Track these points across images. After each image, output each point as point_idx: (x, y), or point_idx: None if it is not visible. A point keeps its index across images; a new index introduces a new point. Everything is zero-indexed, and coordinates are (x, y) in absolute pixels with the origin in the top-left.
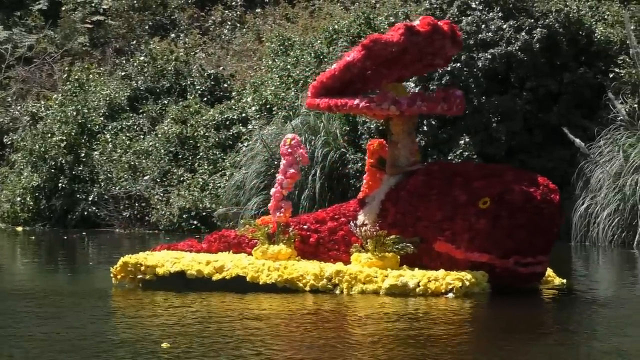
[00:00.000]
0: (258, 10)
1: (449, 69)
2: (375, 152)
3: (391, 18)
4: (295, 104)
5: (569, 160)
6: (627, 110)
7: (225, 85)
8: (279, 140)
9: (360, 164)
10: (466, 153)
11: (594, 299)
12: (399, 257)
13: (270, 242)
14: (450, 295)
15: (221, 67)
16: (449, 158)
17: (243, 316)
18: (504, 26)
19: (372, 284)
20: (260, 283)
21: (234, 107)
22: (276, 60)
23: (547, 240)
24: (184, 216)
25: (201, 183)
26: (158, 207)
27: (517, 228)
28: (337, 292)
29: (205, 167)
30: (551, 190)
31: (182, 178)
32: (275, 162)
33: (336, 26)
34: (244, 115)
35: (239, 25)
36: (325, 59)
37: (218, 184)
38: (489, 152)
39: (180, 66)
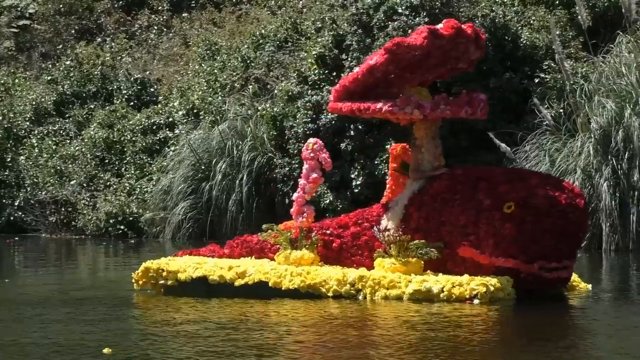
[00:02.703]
0: (185, 14)
1: None
2: (398, 156)
3: (318, 23)
4: (222, 109)
5: (495, 165)
6: (552, 115)
7: (152, 89)
8: (206, 144)
9: (287, 169)
10: None
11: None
12: (422, 262)
13: (292, 247)
14: (476, 301)
15: (148, 72)
16: (376, 163)
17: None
18: None
19: (395, 289)
20: (283, 289)
21: (160, 111)
22: (203, 65)
23: (573, 245)
24: (111, 221)
25: (128, 188)
26: (85, 212)
27: (542, 233)
28: (360, 297)
29: (132, 171)
30: (576, 194)
31: (108, 183)
32: (203, 167)
33: (263, 31)
34: (170, 119)
35: (165, 29)
36: (252, 64)
37: (145, 189)
38: None
39: (107, 71)
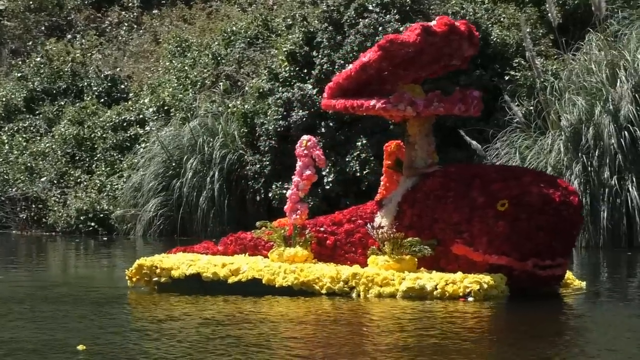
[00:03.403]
0: (155, 11)
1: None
2: (393, 153)
3: (288, 20)
4: (193, 106)
5: (465, 163)
6: (523, 112)
7: (123, 86)
8: (177, 141)
9: (258, 166)
10: (363, 155)
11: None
12: (416, 259)
13: (286, 244)
14: (470, 298)
15: (118, 69)
16: (347, 160)
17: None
18: (401, 29)
19: (389, 286)
20: (277, 286)
21: (131, 108)
22: (173, 62)
23: (567, 243)
24: (82, 218)
25: (98, 185)
26: (55, 209)
27: (536, 230)
28: (354, 295)
29: (103, 168)
30: (570, 192)
31: (79, 180)
32: (173, 164)
33: (234, 28)
34: (141, 116)
35: (136, 26)
36: (223, 61)
37: (116, 186)
38: None
39: (77, 67)
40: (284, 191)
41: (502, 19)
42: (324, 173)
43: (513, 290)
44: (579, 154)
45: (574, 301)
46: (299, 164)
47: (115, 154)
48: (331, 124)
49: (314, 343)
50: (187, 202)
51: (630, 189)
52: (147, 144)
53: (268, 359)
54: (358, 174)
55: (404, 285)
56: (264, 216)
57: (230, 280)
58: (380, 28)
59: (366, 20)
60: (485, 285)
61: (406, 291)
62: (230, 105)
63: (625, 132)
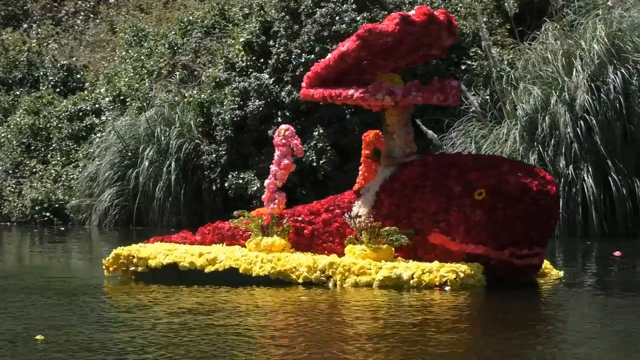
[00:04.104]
0: (111, 1)
1: (303, 60)
2: (371, 143)
3: (245, 9)
4: (149, 95)
5: (421, 152)
6: (479, 102)
7: (79, 76)
8: (133, 131)
9: (214, 156)
10: (320, 144)
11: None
12: (393, 249)
13: (264, 234)
14: (446, 288)
15: (74, 58)
16: (304, 149)
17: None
18: (358, 18)
19: (365, 276)
20: (253, 275)
21: (87, 98)
22: (130, 51)
23: (544, 232)
24: (37, 208)
25: (54, 175)
26: (10, 199)
27: (513, 219)
28: (330, 284)
29: (58, 158)
30: (548, 181)
31: (34, 169)
32: (129, 154)
33: (190, 17)
34: (97, 106)
35: (92, 15)
36: (179, 50)
37: (71, 176)
38: (343, 144)
39: (33, 57)
40: (240, 181)
41: (458, 9)
42: None
43: (490, 279)
44: (535, 144)
45: (552, 290)
46: (277, 153)
47: (70, 144)
48: (288, 114)
49: (288, 333)
50: (143, 192)
51: (586, 178)
52: (103, 133)
53: (236, 347)
54: (314, 164)
55: (381, 274)
56: (220, 206)
57: (207, 270)
58: (337, 17)
59: (323, 9)
60: (462, 275)
61: (383, 280)
62: (186, 94)
63: (581, 122)
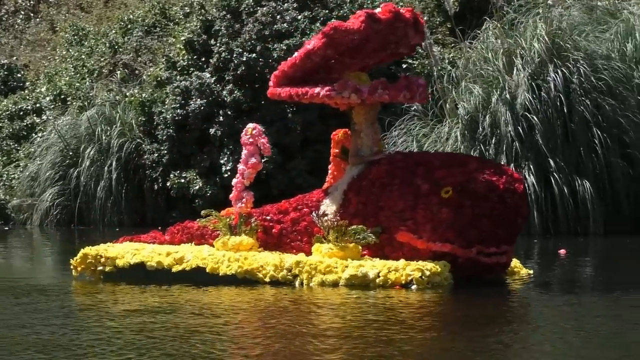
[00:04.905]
0: None
1: (244, 59)
2: (340, 141)
3: (186, 8)
4: (90, 94)
5: None
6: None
7: (19, 75)
8: (74, 130)
9: (156, 155)
10: None
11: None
12: (360, 247)
13: (232, 233)
14: (413, 286)
15: (15, 57)
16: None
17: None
18: (299, 17)
19: (332, 274)
20: (220, 274)
21: (27, 97)
22: (70, 50)
23: (511, 230)
24: None
25: None
26: None
27: (480, 217)
28: (297, 283)
29: None
30: (515, 179)
31: None
32: (71, 153)
33: (131, 16)
34: (38, 105)
35: (32, 14)
36: (120, 49)
37: (12, 175)
38: (285, 142)
39: None
40: (182, 180)
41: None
42: (222, 161)
43: (457, 277)
44: (476, 142)
45: (518, 288)
46: (244, 152)
47: (11, 143)
48: (229, 113)
49: (255, 331)
50: (85, 192)
51: (527, 177)
52: (44, 133)
53: (204, 346)
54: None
55: (347, 273)
56: (162, 205)
57: (174, 269)
58: (278, 16)
59: (264, 8)
60: (428, 273)
61: (349, 279)
62: (127, 94)
63: (522, 120)
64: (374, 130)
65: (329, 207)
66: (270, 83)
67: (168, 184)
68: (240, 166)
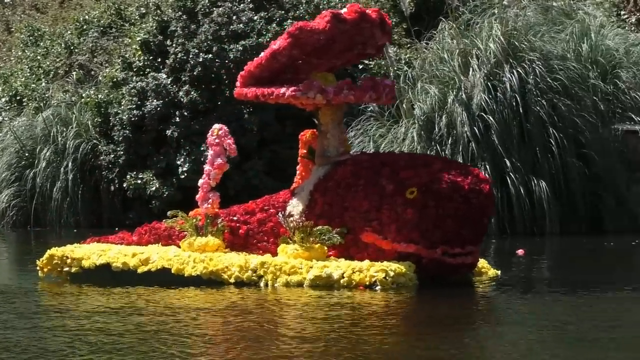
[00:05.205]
0: (7, 0)
1: (200, 60)
2: (308, 142)
3: (142, 9)
4: (46, 95)
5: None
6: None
7: None
8: (30, 131)
9: (112, 156)
10: None
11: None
12: (326, 248)
13: (198, 234)
14: (377, 287)
15: None
16: (202, 149)
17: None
18: (255, 18)
19: (296, 275)
20: (186, 275)
21: None
22: (26, 51)
23: (477, 231)
24: None
25: None
26: None
27: (445, 218)
28: (262, 284)
29: None
30: (481, 180)
31: None
32: (26, 155)
33: (87, 17)
34: None
35: None
36: (76, 50)
37: None
38: (242, 143)
39: None
40: (139, 181)
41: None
42: (178, 162)
43: (423, 278)
44: (432, 143)
45: (483, 288)
46: (210, 152)
47: None
48: (186, 114)
49: (215, 333)
50: (41, 193)
51: None
52: (0, 134)
53: (169, 347)
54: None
55: (311, 273)
56: (119, 206)
57: (140, 270)
58: (234, 17)
59: (220, 9)
60: (392, 274)
61: (313, 280)
62: (83, 94)
63: (478, 121)
64: (340, 131)
65: (295, 207)
66: (237, 83)
67: (124, 185)
68: (207, 167)
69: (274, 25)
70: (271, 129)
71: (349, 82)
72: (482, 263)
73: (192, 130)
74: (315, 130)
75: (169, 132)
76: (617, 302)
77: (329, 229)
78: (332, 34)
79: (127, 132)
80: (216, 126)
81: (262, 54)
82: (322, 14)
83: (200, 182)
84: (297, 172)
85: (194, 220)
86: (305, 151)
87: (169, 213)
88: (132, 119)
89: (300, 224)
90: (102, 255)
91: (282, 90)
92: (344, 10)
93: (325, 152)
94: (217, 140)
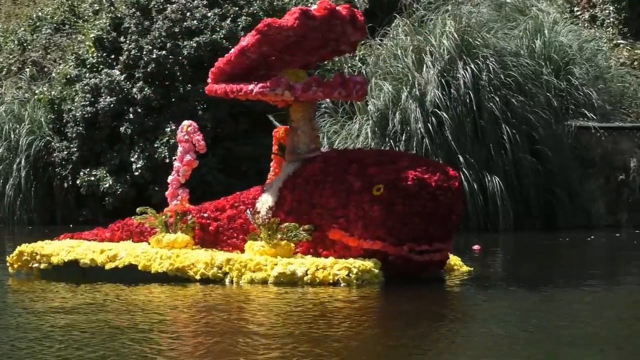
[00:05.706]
0: None
1: (154, 56)
2: (281, 138)
3: (95, 5)
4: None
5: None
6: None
7: None
8: None
9: (65, 152)
10: (172, 141)
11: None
12: (293, 245)
13: (168, 230)
14: (342, 284)
15: None
16: (155, 146)
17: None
18: (209, 14)
19: (261, 272)
20: (152, 272)
21: None
22: None
23: (444, 228)
24: None
25: None
26: None
27: (411, 215)
28: (227, 281)
29: None
30: (450, 177)
31: None
32: None
33: (40, 13)
34: None
35: None
36: (29, 47)
37: None
38: None
39: None
40: (92, 178)
41: (309, 4)
42: (132, 159)
43: (390, 275)
44: (386, 139)
45: (457, 286)
46: (179, 149)
47: None
48: (139, 110)
49: (180, 330)
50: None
51: None
52: None
53: (135, 344)
54: (167, 160)
55: (276, 270)
56: (72, 203)
57: (107, 267)
58: (188, 13)
59: (174, 5)
60: (356, 271)
61: (277, 277)
62: (37, 91)
63: (432, 117)
64: (311, 128)
65: (264, 204)
66: (209, 80)
67: (78, 182)
68: (176, 163)
69: (228, 21)
70: (225, 126)
71: (317, 79)
72: (454, 260)
73: (145, 127)
74: (288, 127)
75: (122, 129)
76: (578, 297)
77: (296, 226)
78: (302, 31)
79: (81, 128)
80: (185, 122)
81: (232, 50)
82: (292, 10)
83: (170, 178)
84: (271, 168)
85: (164, 217)
86: (277, 147)
87: (137, 209)
88: (86, 116)
89: (267, 220)
90: (71, 252)
91: (250, 87)
92: (314, 7)
93: (295, 148)
94: (186, 137)
